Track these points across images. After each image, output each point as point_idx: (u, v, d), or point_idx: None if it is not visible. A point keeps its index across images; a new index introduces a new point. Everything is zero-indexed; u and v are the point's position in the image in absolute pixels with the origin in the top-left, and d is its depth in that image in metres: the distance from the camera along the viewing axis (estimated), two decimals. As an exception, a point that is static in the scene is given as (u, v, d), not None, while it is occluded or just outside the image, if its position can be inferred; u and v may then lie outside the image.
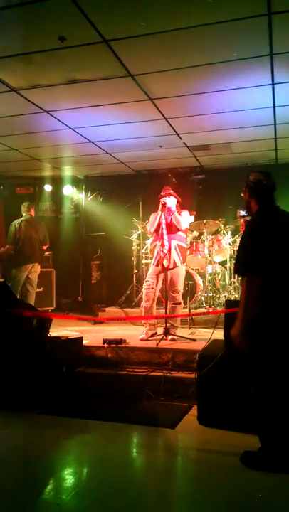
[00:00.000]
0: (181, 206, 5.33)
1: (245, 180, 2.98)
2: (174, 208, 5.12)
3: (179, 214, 5.12)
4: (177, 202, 5.22)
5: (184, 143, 6.40)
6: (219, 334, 3.82)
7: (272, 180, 2.96)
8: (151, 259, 5.54)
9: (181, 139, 6.22)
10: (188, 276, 6.50)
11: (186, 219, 5.15)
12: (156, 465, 3.03)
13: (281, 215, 2.92)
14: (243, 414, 3.28)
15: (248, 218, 3.13)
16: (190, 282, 6.39)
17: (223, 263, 7.10)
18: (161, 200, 5.11)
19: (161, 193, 5.16)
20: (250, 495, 2.44)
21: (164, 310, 5.12)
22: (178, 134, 6.05)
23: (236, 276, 6.70)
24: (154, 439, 3.36)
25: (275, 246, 2.73)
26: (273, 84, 4.56)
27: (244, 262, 2.77)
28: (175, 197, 5.20)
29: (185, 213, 5.17)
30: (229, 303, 3.75)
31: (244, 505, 2.36)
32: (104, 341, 4.79)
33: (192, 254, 6.78)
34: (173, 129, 5.84)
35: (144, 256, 7.19)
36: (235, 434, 3.24)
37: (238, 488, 2.52)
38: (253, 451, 2.75)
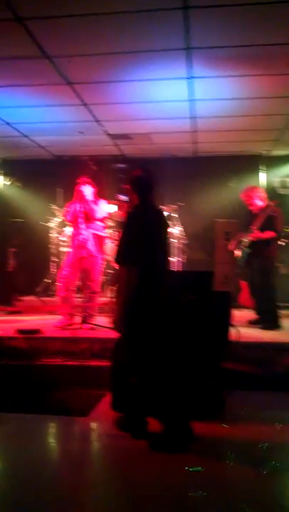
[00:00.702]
0: (99, 195, 5.31)
1: (130, 174, 3.26)
2: (90, 197, 5.09)
3: (96, 203, 5.10)
4: (94, 191, 5.19)
5: (105, 131, 6.35)
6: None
7: (152, 177, 3.23)
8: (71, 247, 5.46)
9: (101, 126, 6.16)
10: (109, 265, 6.51)
11: (102, 208, 5.14)
12: (67, 454, 3.02)
13: (156, 210, 3.20)
14: (153, 400, 3.41)
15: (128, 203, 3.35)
16: (110, 271, 6.41)
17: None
18: (77, 188, 5.05)
19: (77, 182, 5.10)
20: (158, 478, 2.53)
21: (82, 299, 5.09)
22: (98, 121, 5.99)
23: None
24: (67, 427, 3.36)
25: (149, 239, 2.99)
26: (190, 78, 4.67)
27: (122, 254, 3.01)
28: (92, 186, 5.16)
29: (102, 202, 5.16)
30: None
31: (152, 489, 2.44)
32: (18, 331, 4.66)
33: (113, 244, 6.78)
34: (93, 115, 5.76)
35: (63, 244, 7.05)
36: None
37: (145, 472, 2.61)
38: (159, 434, 2.86)
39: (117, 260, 3.08)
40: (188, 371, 3.39)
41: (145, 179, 3.19)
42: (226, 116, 5.77)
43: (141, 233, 2.99)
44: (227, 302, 3.72)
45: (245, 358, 4.05)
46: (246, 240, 5.29)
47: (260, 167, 7.69)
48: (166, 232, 3.21)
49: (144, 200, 3.14)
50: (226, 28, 3.74)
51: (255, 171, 7.65)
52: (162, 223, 3.20)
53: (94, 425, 3.40)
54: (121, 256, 3.04)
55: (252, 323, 5.34)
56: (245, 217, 5.71)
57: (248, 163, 7.62)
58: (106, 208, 5.27)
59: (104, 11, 3.48)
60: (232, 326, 3.69)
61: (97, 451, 3.09)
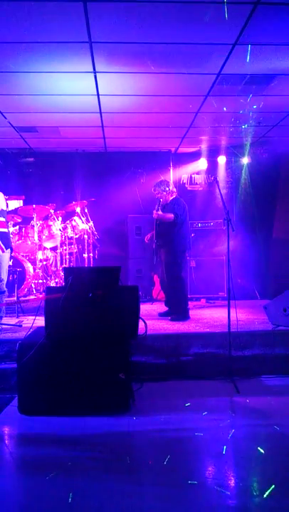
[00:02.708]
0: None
1: None
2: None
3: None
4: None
5: (9, 122, 6.07)
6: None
7: None
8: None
9: (5, 118, 5.88)
10: (17, 262, 6.27)
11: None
12: None
13: None
14: (63, 398, 3.37)
15: None
16: (18, 269, 6.18)
17: (54, 249, 7.04)
18: None
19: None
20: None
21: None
22: (1, 112, 5.70)
23: (68, 262, 6.76)
24: None
25: None
26: (95, 72, 4.63)
27: None
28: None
29: None
30: (50, 289, 3.73)
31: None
32: None
33: (21, 240, 6.54)
34: (-6, 106, 5.49)
35: None
36: (56, 418, 3.29)
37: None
38: None
39: None
40: (97, 366, 3.38)
41: None
42: (132, 112, 5.83)
43: None
44: (135, 296, 3.75)
45: (153, 350, 4.14)
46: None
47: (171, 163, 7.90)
48: None
49: None
50: (126, 24, 3.74)
51: (166, 167, 7.85)
52: None
53: (2, 430, 3.26)
54: None
55: (161, 316, 5.49)
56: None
57: (158, 159, 7.80)
58: (2, 201, 4.92)
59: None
60: (140, 319, 3.74)
61: (6, 455, 2.96)
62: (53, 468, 2.58)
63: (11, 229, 6.25)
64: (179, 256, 5.30)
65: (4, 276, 4.88)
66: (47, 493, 2.34)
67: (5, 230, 4.90)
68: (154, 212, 5.23)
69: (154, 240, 5.43)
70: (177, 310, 5.32)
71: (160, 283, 5.87)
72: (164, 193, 5.42)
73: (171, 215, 5.21)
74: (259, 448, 2.76)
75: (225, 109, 5.74)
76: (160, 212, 5.21)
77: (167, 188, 5.43)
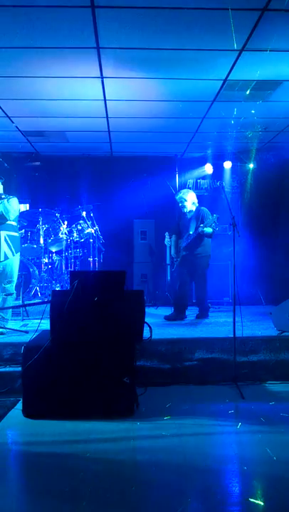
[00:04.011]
0: (10, 193, 5.05)
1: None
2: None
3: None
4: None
5: (17, 127, 6.12)
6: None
7: None
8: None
9: (12, 122, 5.92)
10: (23, 266, 6.29)
11: (14, 207, 4.87)
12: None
13: None
14: (68, 402, 3.37)
15: None
16: (24, 273, 6.20)
17: (59, 253, 7.06)
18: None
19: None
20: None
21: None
22: (8, 117, 5.75)
23: (73, 265, 6.78)
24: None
25: None
26: (102, 77, 4.66)
27: None
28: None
29: (13, 200, 4.86)
30: (55, 293, 3.74)
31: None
32: None
33: (27, 244, 6.57)
34: (2, 110, 5.52)
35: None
36: (60, 422, 3.28)
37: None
38: None
39: None
40: (101, 370, 3.38)
41: None
42: (139, 117, 5.86)
43: None
44: (140, 301, 3.76)
45: (157, 355, 4.13)
46: (185, 242, 5.64)
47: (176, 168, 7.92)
48: None
49: None
50: (133, 30, 3.77)
51: (172, 171, 7.87)
52: None
53: (6, 433, 3.25)
54: None
55: (167, 318, 5.52)
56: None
57: (164, 164, 7.81)
58: (16, 207, 4.96)
59: (14, 3, 3.34)
60: (145, 323, 3.74)
61: (14, 459, 2.96)
62: (54, 475, 2.57)
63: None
64: (207, 262, 5.72)
65: (14, 279, 4.91)
66: (48, 504, 2.33)
67: (16, 234, 4.94)
68: (201, 229, 5.46)
69: (181, 249, 5.66)
70: (203, 307, 5.76)
71: (179, 286, 5.83)
72: (189, 202, 5.69)
73: (210, 229, 5.50)
74: (265, 455, 2.74)
75: (233, 118, 5.77)
76: (207, 228, 5.46)
77: (193, 197, 5.73)
